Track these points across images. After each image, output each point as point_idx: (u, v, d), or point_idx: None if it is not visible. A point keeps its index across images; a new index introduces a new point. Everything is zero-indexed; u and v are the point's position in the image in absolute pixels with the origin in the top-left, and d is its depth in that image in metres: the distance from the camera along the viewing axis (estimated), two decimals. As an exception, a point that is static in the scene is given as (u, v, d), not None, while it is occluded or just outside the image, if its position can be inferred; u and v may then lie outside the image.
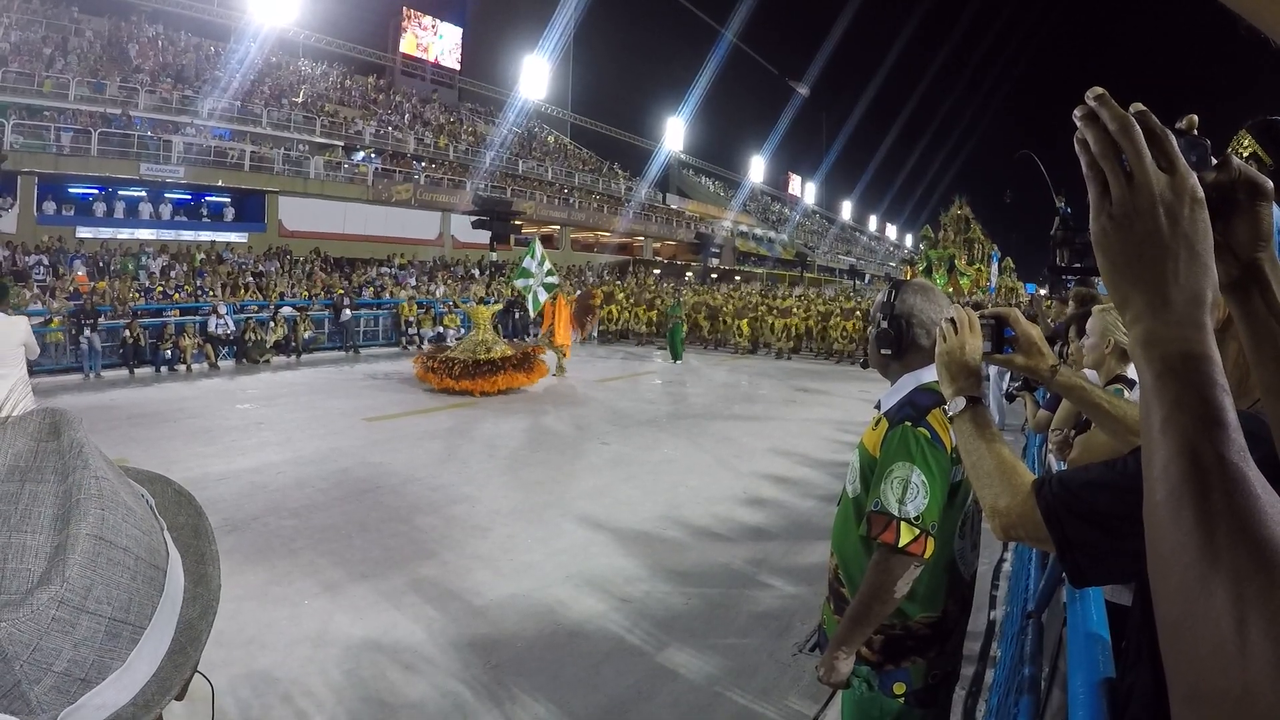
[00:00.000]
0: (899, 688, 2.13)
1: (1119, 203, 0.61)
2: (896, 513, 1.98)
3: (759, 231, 63.63)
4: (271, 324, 17.11)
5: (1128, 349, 0.63)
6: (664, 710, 3.83)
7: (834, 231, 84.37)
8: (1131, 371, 2.88)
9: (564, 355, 15.11)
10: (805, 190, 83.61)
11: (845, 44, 69.99)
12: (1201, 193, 0.61)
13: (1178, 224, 0.60)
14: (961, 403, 1.48)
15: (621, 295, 24.40)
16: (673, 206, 54.77)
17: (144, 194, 26.85)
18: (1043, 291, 23.70)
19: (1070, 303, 5.73)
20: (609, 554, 5.88)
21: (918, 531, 1.96)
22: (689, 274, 44.36)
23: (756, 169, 70.78)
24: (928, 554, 1.97)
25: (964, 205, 25.22)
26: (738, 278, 46.71)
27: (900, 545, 1.95)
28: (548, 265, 14.81)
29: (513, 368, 12.71)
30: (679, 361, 18.32)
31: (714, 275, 45.90)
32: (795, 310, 21.40)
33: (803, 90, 58.33)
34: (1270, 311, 0.71)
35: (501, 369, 12.53)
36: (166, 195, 27.50)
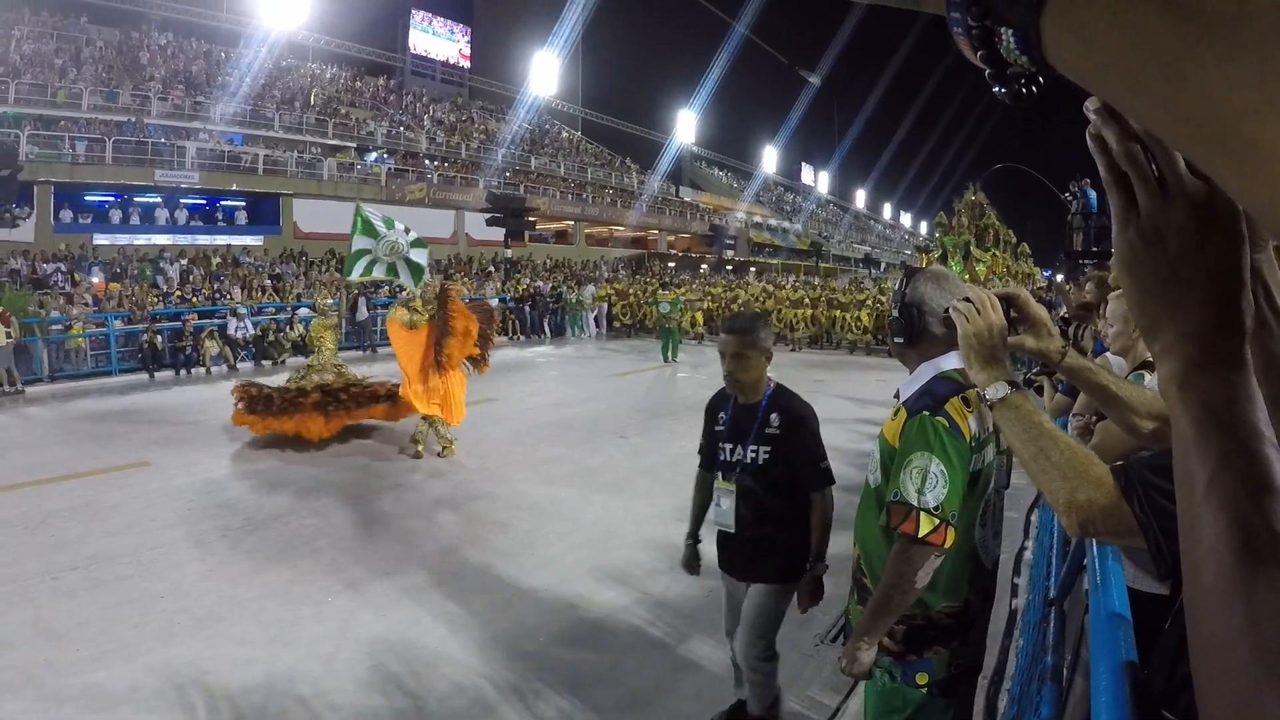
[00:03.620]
0: (921, 678, 2.12)
1: (1149, 215, 0.51)
2: (916, 503, 1.97)
3: (773, 222, 63.41)
4: (289, 325, 17.21)
5: (1158, 388, 0.55)
6: (686, 702, 3.83)
7: (848, 220, 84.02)
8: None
9: (437, 417, 8.53)
10: (819, 180, 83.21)
11: (856, 33, 69.42)
12: None
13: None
14: (1003, 389, 1.40)
15: (635, 290, 24.36)
16: (686, 199, 54.68)
17: (159, 200, 27.12)
18: (1059, 277, 23.54)
19: (1088, 286, 5.68)
20: (628, 547, 5.88)
21: (938, 521, 1.96)
22: (704, 266, 44.30)
23: (769, 160, 70.53)
24: (948, 544, 1.97)
25: (978, 191, 24.97)
26: (752, 269, 46.61)
27: (920, 535, 1.95)
28: (393, 228, 9.80)
29: (349, 403, 9.11)
30: (670, 364, 16.92)
31: (729, 267, 45.84)
32: (808, 300, 21.17)
33: (814, 80, 58.04)
34: (1274, 314, 0.66)
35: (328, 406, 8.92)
36: (181, 200, 27.73)
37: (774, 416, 3.10)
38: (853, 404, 11.91)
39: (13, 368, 12.71)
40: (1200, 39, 0.32)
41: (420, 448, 8.42)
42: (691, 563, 3.48)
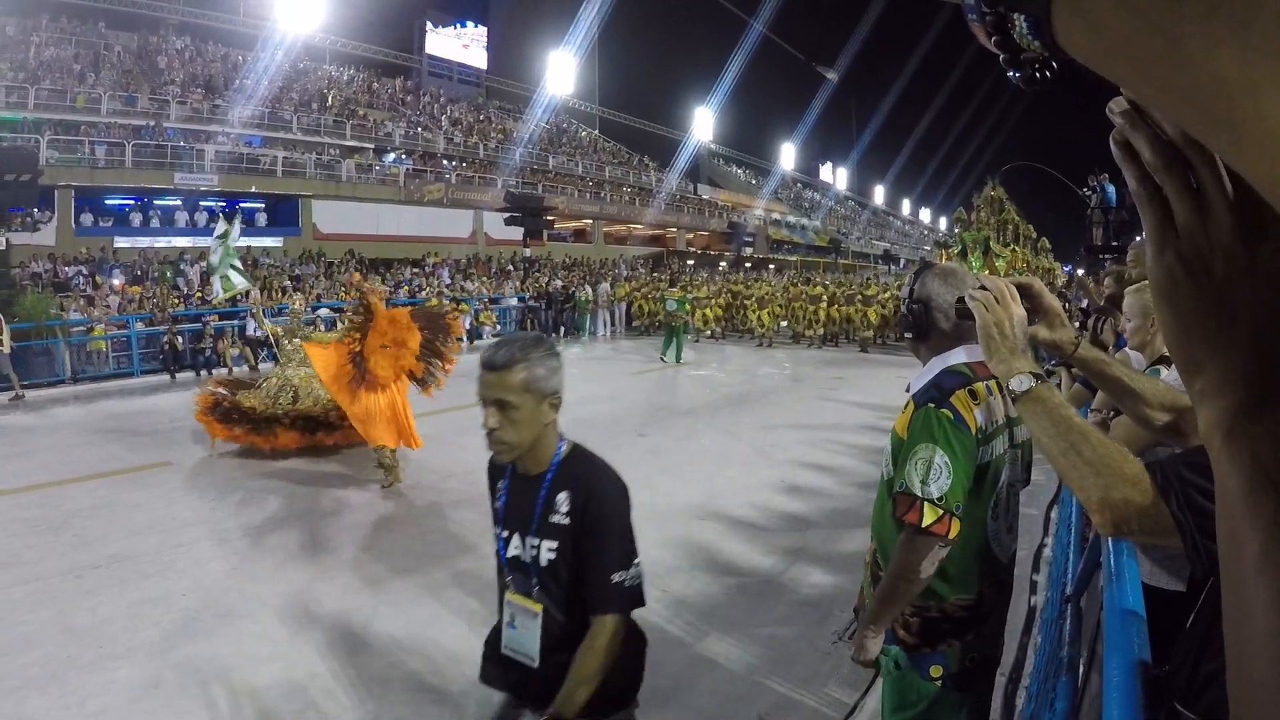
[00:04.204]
0: (935, 670, 2.13)
1: (1189, 235, 0.42)
2: (920, 493, 1.99)
3: (792, 219, 63.29)
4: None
5: (1200, 435, 0.47)
6: (704, 699, 3.84)
7: (867, 216, 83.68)
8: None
9: (383, 448, 7.35)
10: (837, 176, 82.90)
11: (874, 30, 69.18)
12: None
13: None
14: (1027, 381, 1.34)
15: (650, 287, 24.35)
16: (704, 197, 54.56)
17: (179, 202, 27.43)
18: (1080, 272, 23.37)
19: (1107, 281, 5.63)
20: (648, 545, 5.84)
21: (941, 512, 1.97)
22: (722, 264, 44.23)
23: (787, 156, 70.28)
24: (952, 534, 1.98)
25: (997, 187, 24.74)
26: (771, 265, 46.51)
27: (924, 525, 1.97)
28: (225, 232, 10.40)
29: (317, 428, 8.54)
30: (676, 364, 16.27)
31: (748, 264, 45.77)
32: (825, 297, 20.93)
33: (832, 76, 57.71)
34: None
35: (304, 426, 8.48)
36: (201, 203, 27.98)
37: (561, 497, 2.03)
38: (871, 400, 11.88)
39: (10, 373, 12.72)
40: (1202, 16, 0.31)
41: (391, 478, 7.36)
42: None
